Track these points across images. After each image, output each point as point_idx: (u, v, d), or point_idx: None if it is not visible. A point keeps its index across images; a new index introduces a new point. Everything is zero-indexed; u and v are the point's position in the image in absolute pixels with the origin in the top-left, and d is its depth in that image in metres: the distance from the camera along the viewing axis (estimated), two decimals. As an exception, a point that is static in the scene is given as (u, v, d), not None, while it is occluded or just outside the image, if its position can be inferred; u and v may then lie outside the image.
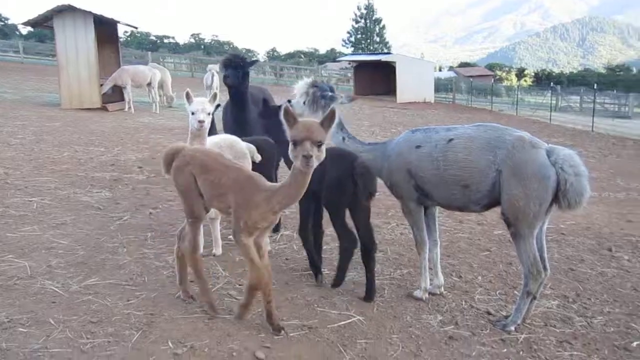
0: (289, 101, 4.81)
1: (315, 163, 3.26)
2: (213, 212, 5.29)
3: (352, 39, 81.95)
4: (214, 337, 3.75)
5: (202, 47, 79.66)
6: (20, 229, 5.63)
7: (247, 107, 6.57)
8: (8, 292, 4.18)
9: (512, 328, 4.18)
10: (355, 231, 4.62)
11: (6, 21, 64.29)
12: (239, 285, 4.68)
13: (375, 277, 4.72)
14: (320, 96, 4.94)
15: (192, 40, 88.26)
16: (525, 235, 4.05)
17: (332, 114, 3.31)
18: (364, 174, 4.40)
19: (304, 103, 4.96)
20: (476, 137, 4.19)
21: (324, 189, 4.51)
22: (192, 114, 4.86)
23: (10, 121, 12.66)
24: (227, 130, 6.57)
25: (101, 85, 16.64)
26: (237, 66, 6.34)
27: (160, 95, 19.27)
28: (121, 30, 20.35)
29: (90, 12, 16.57)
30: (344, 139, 4.86)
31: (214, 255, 5.32)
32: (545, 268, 4.19)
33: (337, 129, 4.82)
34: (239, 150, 5.59)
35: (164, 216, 6.52)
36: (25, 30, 57.59)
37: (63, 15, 16.34)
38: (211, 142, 5.48)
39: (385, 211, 7.51)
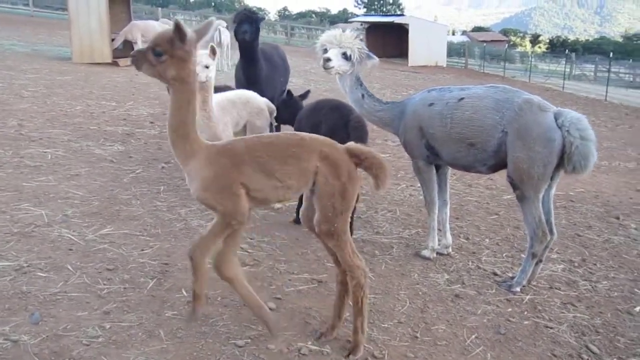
0: (325, 50, 4.72)
1: (148, 69, 2.86)
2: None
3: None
4: (227, 287, 3.82)
5: (213, 4, 78.54)
6: (36, 178, 5.72)
7: (258, 63, 6.54)
8: (26, 239, 4.28)
9: (518, 289, 4.26)
10: None
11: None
12: (250, 239, 4.78)
13: (384, 236, 4.77)
14: (366, 55, 4.77)
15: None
16: (530, 197, 4.09)
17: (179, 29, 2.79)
18: (358, 127, 4.57)
19: (346, 57, 4.65)
20: (485, 97, 4.22)
21: None
22: None
23: (21, 74, 12.63)
24: (239, 87, 6.56)
25: (112, 40, 16.52)
26: (248, 21, 6.29)
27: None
28: (131, -15, 19.94)
29: (101, -35, 16.26)
30: (363, 96, 4.82)
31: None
32: (551, 231, 4.25)
33: (357, 85, 4.81)
34: (255, 107, 5.59)
35: (176, 170, 6.57)
36: (34, -18, 56.87)
37: (74, -32, 16.06)
38: (225, 97, 5.49)
39: (395, 172, 7.54)
